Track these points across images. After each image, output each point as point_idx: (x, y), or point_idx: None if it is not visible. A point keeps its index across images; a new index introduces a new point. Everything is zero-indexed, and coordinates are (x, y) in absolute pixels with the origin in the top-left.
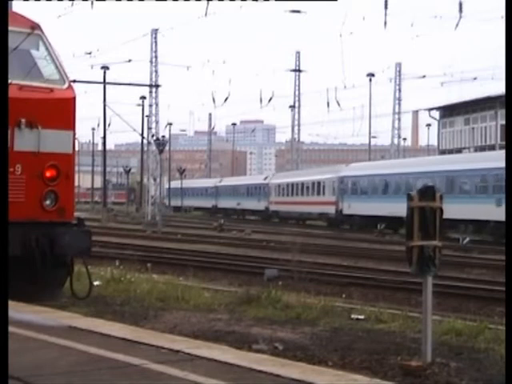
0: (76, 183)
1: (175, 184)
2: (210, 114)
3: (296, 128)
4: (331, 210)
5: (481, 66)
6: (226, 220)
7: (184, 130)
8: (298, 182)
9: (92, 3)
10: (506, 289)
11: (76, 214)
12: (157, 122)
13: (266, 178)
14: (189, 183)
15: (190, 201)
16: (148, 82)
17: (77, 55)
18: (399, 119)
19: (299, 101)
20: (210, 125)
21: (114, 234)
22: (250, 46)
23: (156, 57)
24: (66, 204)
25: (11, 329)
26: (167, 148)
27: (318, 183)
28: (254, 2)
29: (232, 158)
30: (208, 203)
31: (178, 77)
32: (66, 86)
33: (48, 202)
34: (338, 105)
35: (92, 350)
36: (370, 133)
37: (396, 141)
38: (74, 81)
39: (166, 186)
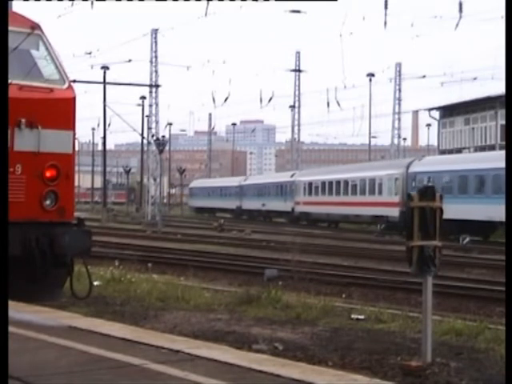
0: (76, 183)
1: (199, 183)
2: (210, 114)
3: (296, 128)
4: (393, 212)
5: (481, 65)
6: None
7: (184, 130)
8: (339, 180)
9: (92, 3)
10: (506, 289)
11: (76, 214)
12: (157, 122)
13: (293, 175)
14: (210, 182)
15: (212, 202)
16: (148, 82)
17: (77, 55)
18: (399, 119)
19: (299, 101)
20: (210, 125)
21: (113, 234)
22: (250, 45)
23: (156, 57)
24: (66, 204)
25: (11, 329)
26: (167, 148)
27: (372, 180)
28: (254, 1)
29: (232, 158)
30: (232, 204)
31: (178, 77)
32: (66, 86)
33: (48, 202)
34: (338, 105)
35: (92, 350)
36: (369, 133)
37: (396, 141)
38: (74, 81)
39: (192, 185)
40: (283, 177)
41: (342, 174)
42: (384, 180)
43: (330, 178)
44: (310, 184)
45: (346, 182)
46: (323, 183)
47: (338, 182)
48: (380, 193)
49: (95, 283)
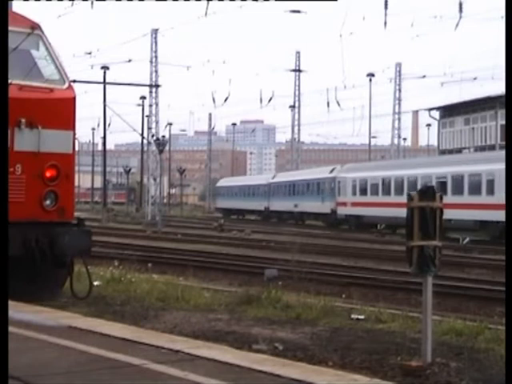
0: (76, 183)
1: (226, 182)
2: (210, 114)
3: (296, 128)
4: None
5: (481, 65)
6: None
7: (184, 130)
8: (415, 176)
9: (92, 3)
10: (506, 289)
11: (76, 214)
12: (157, 122)
13: (332, 171)
14: (238, 181)
15: (240, 202)
16: (148, 82)
17: (77, 55)
18: (399, 119)
19: (299, 101)
20: (210, 125)
21: (113, 234)
22: (250, 45)
23: (156, 57)
24: (66, 204)
25: (11, 329)
26: (167, 148)
27: (476, 176)
28: (254, 1)
29: (232, 158)
30: (260, 205)
31: (178, 77)
32: (66, 86)
33: (48, 202)
34: (338, 105)
35: (92, 350)
36: (370, 133)
37: (396, 141)
38: (74, 81)
39: (219, 184)
40: (320, 173)
41: (420, 169)
42: (498, 175)
43: (401, 174)
44: (364, 181)
45: (428, 179)
46: (386, 180)
47: (415, 179)
48: (491, 192)
49: (95, 283)
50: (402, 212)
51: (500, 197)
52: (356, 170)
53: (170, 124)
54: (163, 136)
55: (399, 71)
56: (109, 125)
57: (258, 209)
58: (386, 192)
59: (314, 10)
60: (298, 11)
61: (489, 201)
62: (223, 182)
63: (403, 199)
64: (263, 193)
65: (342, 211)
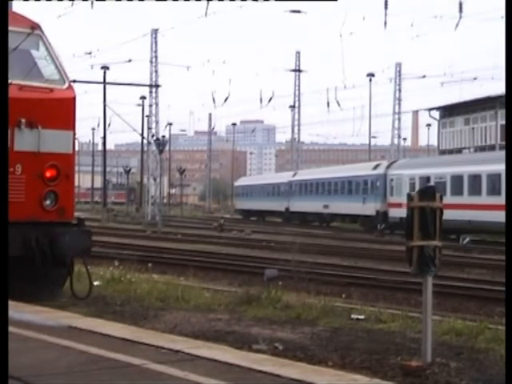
0: (76, 183)
1: (245, 181)
2: (210, 114)
3: (296, 128)
4: None
5: (481, 65)
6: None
7: (184, 130)
8: (497, 172)
9: (92, 3)
10: (506, 289)
11: (76, 214)
12: (157, 122)
13: (377, 167)
14: (258, 179)
15: (254, 203)
16: (148, 82)
17: (77, 55)
18: (399, 119)
19: (299, 101)
20: (210, 125)
21: (113, 234)
22: (250, 45)
23: (156, 57)
24: (66, 204)
25: (11, 329)
26: (167, 148)
27: None
28: (254, 1)
29: (232, 158)
30: (280, 206)
31: (178, 77)
32: (66, 86)
33: (48, 202)
34: (338, 105)
35: (92, 349)
36: (370, 133)
37: (396, 141)
38: (74, 81)
39: (238, 183)
40: (360, 169)
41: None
42: None
43: (477, 170)
44: (426, 179)
45: None
46: (457, 177)
47: (497, 176)
48: None
49: (95, 283)
50: (478, 215)
51: None
52: (414, 165)
53: (170, 124)
54: (163, 136)
55: (399, 71)
56: (109, 125)
57: (278, 209)
58: (458, 192)
59: (314, 9)
60: (298, 11)
61: None
62: (242, 182)
63: (481, 200)
64: (284, 192)
65: (396, 213)
